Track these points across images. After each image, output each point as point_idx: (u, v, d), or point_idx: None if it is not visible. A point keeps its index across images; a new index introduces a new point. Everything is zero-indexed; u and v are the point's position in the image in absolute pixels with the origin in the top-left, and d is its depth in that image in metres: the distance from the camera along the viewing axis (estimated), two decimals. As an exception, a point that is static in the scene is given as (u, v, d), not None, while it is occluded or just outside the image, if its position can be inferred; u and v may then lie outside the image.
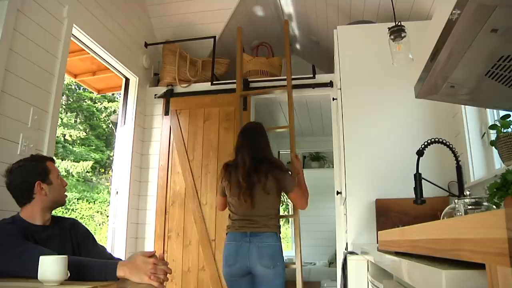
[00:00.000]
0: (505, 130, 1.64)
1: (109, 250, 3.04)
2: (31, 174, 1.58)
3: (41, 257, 1.25)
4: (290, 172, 2.44)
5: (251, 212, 2.29)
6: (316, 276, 4.76)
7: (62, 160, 10.87)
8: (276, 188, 2.31)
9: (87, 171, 11.45)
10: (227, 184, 2.37)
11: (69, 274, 1.28)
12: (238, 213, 2.33)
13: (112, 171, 3.79)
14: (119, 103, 4.16)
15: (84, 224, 1.86)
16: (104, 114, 12.97)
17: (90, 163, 11.38)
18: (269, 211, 2.32)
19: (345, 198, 2.29)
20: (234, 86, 3.43)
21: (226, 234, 2.37)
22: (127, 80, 3.43)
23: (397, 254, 0.91)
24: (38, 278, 1.25)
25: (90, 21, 2.76)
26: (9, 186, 1.58)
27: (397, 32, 1.97)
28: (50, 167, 1.64)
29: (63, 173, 10.69)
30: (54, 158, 1.92)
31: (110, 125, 12.71)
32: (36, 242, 1.48)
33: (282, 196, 2.47)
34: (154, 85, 3.65)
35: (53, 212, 1.70)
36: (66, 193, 1.70)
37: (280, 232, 2.35)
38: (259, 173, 2.28)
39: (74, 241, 1.68)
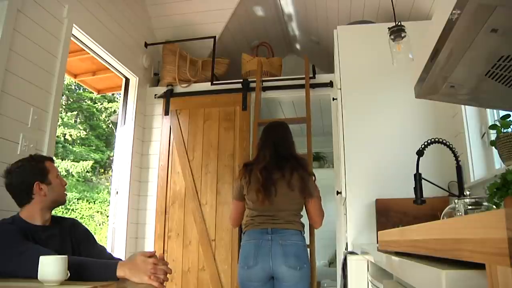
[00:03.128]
0: (505, 130, 1.64)
1: (109, 250, 3.03)
2: (30, 174, 1.58)
3: (41, 257, 1.25)
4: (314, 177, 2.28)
5: (272, 207, 2.10)
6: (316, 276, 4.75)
7: (62, 160, 10.87)
8: (300, 186, 2.14)
9: (87, 171, 11.45)
10: (246, 181, 2.18)
11: (69, 274, 1.28)
12: (258, 209, 2.13)
13: (112, 171, 3.79)
14: (119, 104, 4.16)
15: (84, 224, 1.86)
16: (104, 115, 12.97)
17: (90, 163, 11.39)
18: (292, 206, 2.13)
19: (345, 198, 2.29)
20: (234, 86, 3.43)
21: (244, 233, 2.18)
22: (127, 80, 3.42)
23: (397, 254, 0.91)
24: (38, 278, 1.25)
25: (90, 21, 2.76)
26: (9, 186, 1.58)
27: (397, 32, 1.98)
28: (49, 167, 1.64)
29: (63, 173, 10.69)
30: (54, 158, 1.92)
31: (110, 125, 12.72)
32: (36, 242, 1.48)
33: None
34: (154, 85, 3.65)
35: (53, 212, 1.70)
36: (66, 192, 1.70)
37: (304, 231, 2.16)
38: (284, 170, 2.15)
39: (74, 240, 1.68)
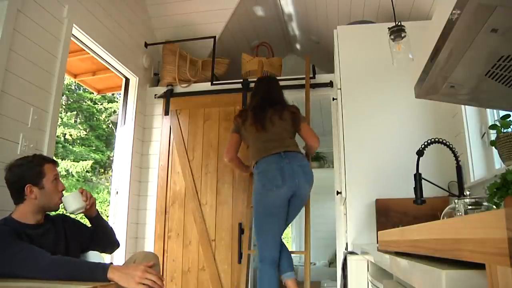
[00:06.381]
0: (505, 130, 1.64)
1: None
2: (25, 175, 1.59)
3: (63, 198, 1.65)
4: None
5: (270, 135, 2.41)
6: (316, 276, 4.76)
7: (62, 160, 10.88)
8: (291, 118, 2.49)
9: (87, 171, 11.45)
10: (243, 120, 2.53)
11: (88, 204, 1.72)
12: (260, 139, 2.42)
13: (112, 171, 3.79)
14: (119, 104, 4.16)
15: (83, 223, 1.89)
16: (104, 115, 12.97)
17: (90, 163, 11.39)
18: (288, 134, 2.46)
19: (345, 198, 2.29)
20: (234, 86, 3.43)
21: (256, 163, 2.40)
22: (127, 80, 3.42)
23: (397, 254, 0.91)
24: (68, 211, 1.68)
25: (90, 21, 2.76)
26: (6, 182, 1.61)
27: (397, 32, 1.98)
28: (46, 171, 1.63)
29: (63, 173, 10.69)
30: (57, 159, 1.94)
31: (110, 125, 12.72)
32: (31, 240, 1.49)
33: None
34: (154, 85, 3.65)
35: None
36: (62, 198, 1.69)
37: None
38: (275, 107, 2.50)
39: (67, 233, 1.72)
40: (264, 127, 2.43)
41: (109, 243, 1.90)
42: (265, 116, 2.47)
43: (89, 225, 1.87)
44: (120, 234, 3.15)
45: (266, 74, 3.39)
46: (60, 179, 1.72)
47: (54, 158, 1.96)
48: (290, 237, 7.02)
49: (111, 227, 1.94)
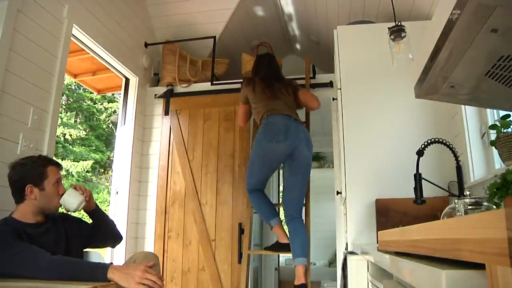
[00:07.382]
0: (505, 130, 1.64)
1: (109, 249, 3.04)
2: (27, 175, 1.59)
3: (61, 200, 1.64)
4: None
5: (280, 102, 2.62)
6: (316, 276, 4.76)
7: (62, 160, 10.88)
8: (293, 92, 2.73)
9: (87, 171, 11.46)
10: (250, 89, 2.71)
11: (87, 198, 1.71)
12: (274, 103, 2.61)
13: (112, 171, 3.79)
14: (119, 104, 4.16)
15: (84, 220, 1.90)
16: (104, 115, 12.98)
17: (90, 162, 11.39)
18: (294, 106, 2.70)
19: (345, 198, 2.29)
20: (234, 86, 3.43)
21: (267, 117, 2.56)
22: (127, 80, 3.42)
23: (397, 254, 0.91)
24: (71, 210, 1.66)
25: (90, 21, 2.76)
26: (9, 180, 1.61)
27: (397, 32, 1.98)
28: (49, 173, 1.64)
29: (63, 173, 10.71)
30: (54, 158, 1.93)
31: (110, 125, 12.73)
32: (32, 239, 1.50)
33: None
34: (154, 85, 3.65)
35: None
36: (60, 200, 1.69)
37: None
38: (279, 82, 2.74)
39: (68, 232, 1.72)
40: (276, 96, 2.65)
41: (111, 236, 1.90)
42: (273, 88, 2.70)
43: (89, 222, 1.87)
44: (120, 234, 3.15)
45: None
46: (62, 182, 1.71)
47: (54, 158, 1.96)
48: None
49: (112, 220, 1.94)
